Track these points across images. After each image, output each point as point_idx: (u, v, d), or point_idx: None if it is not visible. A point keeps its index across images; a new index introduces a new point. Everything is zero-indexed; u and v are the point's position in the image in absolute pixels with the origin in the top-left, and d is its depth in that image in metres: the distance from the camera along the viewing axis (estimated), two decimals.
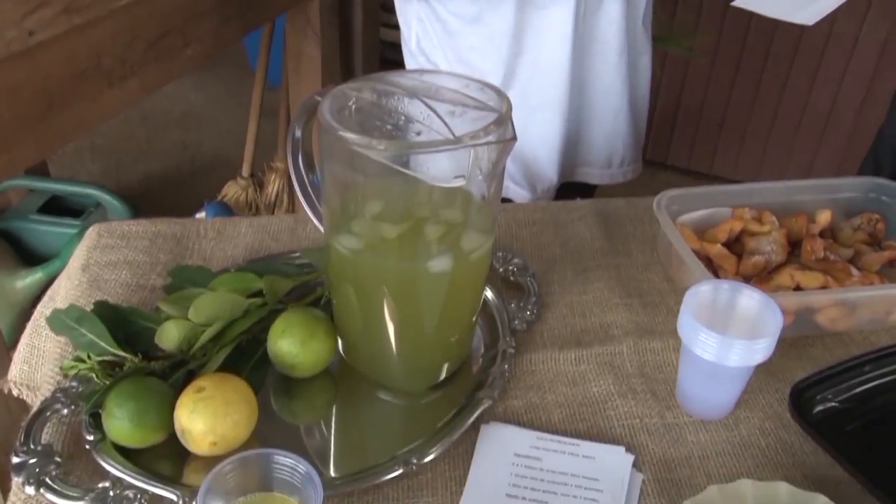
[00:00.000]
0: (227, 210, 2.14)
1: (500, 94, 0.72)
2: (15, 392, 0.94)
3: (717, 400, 0.77)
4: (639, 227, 1.03)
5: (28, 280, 1.89)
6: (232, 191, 2.24)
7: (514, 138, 0.67)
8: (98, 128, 1.41)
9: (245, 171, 2.25)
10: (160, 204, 2.42)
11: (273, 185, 2.22)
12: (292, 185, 2.18)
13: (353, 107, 0.72)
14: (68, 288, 0.91)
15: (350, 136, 0.65)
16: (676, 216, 0.96)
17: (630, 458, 0.73)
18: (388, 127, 0.71)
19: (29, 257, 1.98)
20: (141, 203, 2.24)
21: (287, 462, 0.62)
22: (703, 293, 0.77)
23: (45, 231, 2.00)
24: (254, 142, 2.22)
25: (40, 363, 0.91)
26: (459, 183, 0.67)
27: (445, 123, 0.67)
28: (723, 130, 2.59)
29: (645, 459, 0.74)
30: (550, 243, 1.00)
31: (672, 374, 0.82)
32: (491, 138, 0.66)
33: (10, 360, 0.95)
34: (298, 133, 0.76)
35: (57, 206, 2.07)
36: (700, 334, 0.72)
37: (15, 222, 2.01)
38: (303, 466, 0.61)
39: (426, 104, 0.68)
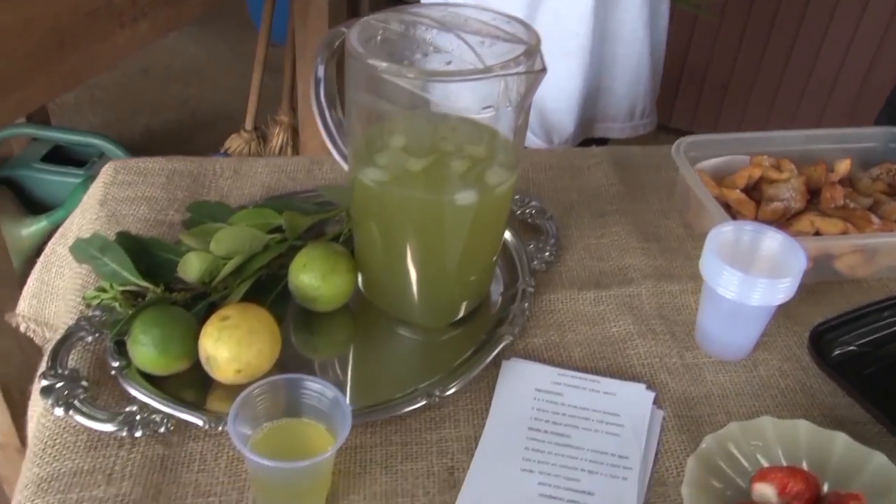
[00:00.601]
0: None
1: (528, 28, 0.71)
2: (23, 326, 0.94)
3: (736, 340, 0.78)
4: (655, 174, 1.03)
5: (33, 228, 1.88)
6: (235, 143, 2.22)
7: (544, 70, 0.67)
8: (108, 70, 1.40)
9: (248, 123, 2.23)
10: (162, 155, 2.40)
11: (277, 139, 2.20)
12: (297, 138, 2.17)
13: (380, 38, 0.72)
14: (84, 223, 0.90)
15: (380, 63, 0.65)
16: (694, 163, 0.96)
17: (651, 394, 0.74)
18: (417, 57, 0.70)
19: (32, 206, 1.98)
20: (143, 155, 2.22)
21: (315, 388, 0.62)
22: (725, 234, 0.77)
23: (48, 180, 1.99)
24: (257, 94, 2.20)
25: (50, 299, 0.91)
26: (488, 114, 0.67)
27: (476, 53, 0.66)
28: (727, 92, 2.57)
29: (665, 397, 0.74)
30: (567, 188, 0.99)
31: (690, 316, 0.82)
32: (521, 69, 0.65)
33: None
34: (321, 66, 0.75)
35: (59, 156, 2.05)
36: (723, 273, 0.72)
37: (19, 171, 2.00)
38: (331, 392, 0.62)
39: (457, 34, 0.67)
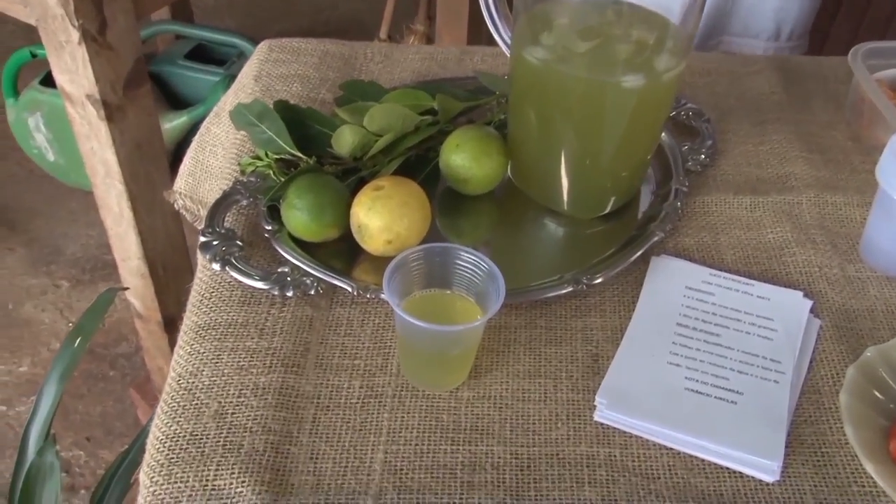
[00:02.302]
0: None
1: None
2: (179, 203, 0.98)
3: None
4: (822, 84, 0.96)
5: (175, 122, 1.95)
6: None
7: None
8: None
9: (383, 32, 2.22)
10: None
11: None
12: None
13: None
14: (240, 98, 0.92)
15: None
16: (872, 73, 0.89)
17: (808, 303, 0.70)
18: None
19: (175, 102, 2.04)
20: None
21: (471, 259, 0.62)
22: None
23: (190, 77, 2.05)
24: (393, 2, 2.19)
25: (205, 177, 0.93)
26: None
27: None
28: None
29: (823, 307, 0.71)
30: (726, 93, 0.94)
31: (854, 229, 0.78)
32: None
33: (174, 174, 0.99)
34: None
35: (201, 55, 2.11)
36: None
37: (164, 66, 2.06)
38: (485, 264, 0.61)
39: None
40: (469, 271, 0.62)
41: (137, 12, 1.07)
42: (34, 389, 1.65)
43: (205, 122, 0.99)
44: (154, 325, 1.36)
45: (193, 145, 0.98)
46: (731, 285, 0.72)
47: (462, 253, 0.62)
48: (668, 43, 0.70)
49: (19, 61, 1.93)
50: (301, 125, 0.79)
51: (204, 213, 0.92)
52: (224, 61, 2.08)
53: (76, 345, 1.07)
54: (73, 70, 1.05)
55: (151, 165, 1.19)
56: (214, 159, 0.92)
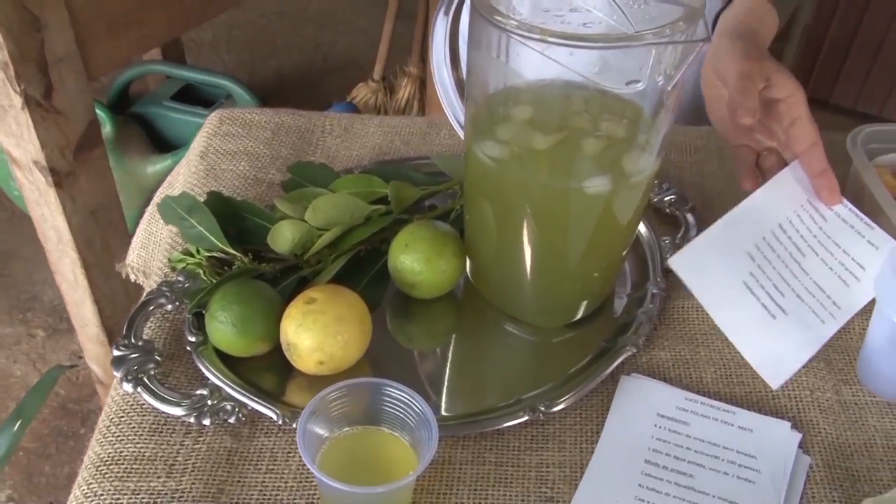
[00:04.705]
0: (354, 112, 2.07)
1: None
2: (132, 277, 0.91)
3: None
4: None
5: (158, 166, 1.89)
6: (361, 93, 2.16)
7: (708, 39, 0.55)
8: (230, 8, 1.34)
9: (377, 73, 2.17)
10: (289, 100, 2.38)
11: (404, 91, 2.13)
12: (424, 91, 2.09)
13: None
14: (186, 175, 0.85)
15: (507, 20, 0.55)
16: (873, 157, 0.81)
17: (797, 436, 0.62)
18: (554, 16, 0.60)
19: (162, 144, 1.99)
20: (270, 98, 2.20)
21: (401, 397, 0.54)
22: None
23: (176, 118, 1.99)
24: (388, 43, 2.13)
25: (156, 250, 0.86)
26: (634, 89, 0.56)
27: (625, 15, 0.55)
28: None
29: (814, 441, 0.62)
30: (714, 174, 0.87)
31: (852, 342, 0.70)
32: (678, 37, 0.54)
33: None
34: (444, 17, 0.66)
35: (190, 96, 2.05)
36: None
37: (150, 108, 2.01)
38: (418, 405, 0.54)
39: None
40: (401, 409, 0.55)
41: (90, 74, 1.00)
42: None
43: (157, 192, 0.93)
44: None
45: (146, 216, 0.91)
46: (709, 413, 0.64)
47: (391, 389, 0.54)
48: (642, 139, 0.62)
49: None
50: (237, 217, 0.72)
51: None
52: (212, 102, 2.02)
53: (16, 428, 1.00)
54: (18, 135, 0.98)
55: (109, 231, 1.12)
56: (166, 231, 0.85)
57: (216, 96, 2.04)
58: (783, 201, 0.73)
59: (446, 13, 0.66)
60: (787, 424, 0.63)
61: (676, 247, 0.76)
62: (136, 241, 0.91)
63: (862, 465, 0.61)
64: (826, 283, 0.71)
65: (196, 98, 2.04)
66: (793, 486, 0.59)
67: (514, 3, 0.60)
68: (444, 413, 0.63)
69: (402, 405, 0.54)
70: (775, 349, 0.67)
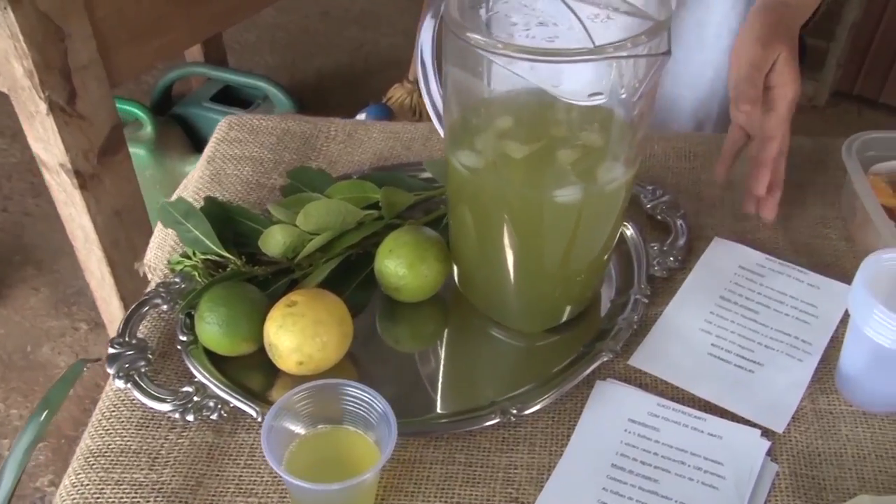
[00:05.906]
0: (387, 113, 2.10)
1: (662, 1, 0.60)
2: (149, 276, 0.95)
3: (886, 390, 0.65)
4: (820, 171, 0.88)
5: (194, 167, 1.94)
6: (397, 94, 2.19)
7: (668, 53, 0.56)
8: (251, 17, 1.38)
9: (411, 74, 2.19)
10: (328, 102, 2.42)
11: None
12: None
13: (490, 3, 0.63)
14: (194, 179, 0.89)
15: (474, 36, 0.56)
16: (870, 164, 0.80)
17: (765, 444, 0.63)
18: (521, 30, 0.61)
19: (201, 144, 2.04)
20: (309, 99, 2.24)
21: (363, 397, 0.56)
22: (885, 262, 0.63)
23: (214, 119, 2.03)
24: None
25: (168, 251, 0.90)
26: (596, 101, 0.57)
27: (585, 29, 0.56)
28: None
29: (783, 449, 0.63)
30: (710, 181, 0.87)
31: (831, 353, 0.69)
32: (639, 50, 0.55)
33: None
34: (429, 29, 0.68)
35: (230, 97, 2.10)
36: (875, 312, 0.59)
37: (190, 108, 2.06)
38: (380, 404, 0.56)
39: (564, 2, 0.57)
40: (364, 409, 0.57)
41: (112, 81, 1.05)
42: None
43: (175, 193, 0.96)
44: None
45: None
46: (680, 419, 0.64)
47: (353, 390, 0.57)
48: (615, 149, 0.63)
49: None
50: (233, 222, 0.75)
51: None
52: (250, 103, 2.07)
53: (42, 418, 1.04)
54: (45, 139, 1.03)
55: (134, 231, 1.17)
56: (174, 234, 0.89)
57: (255, 97, 2.09)
58: (717, 274, 0.75)
59: (433, 17, 0.67)
60: (758, 432, 0.63)
61: (664, 254, 0.76)
62: (154, 241, 0.95)
63: (829, 473, 0.61)
64: (788, 327, 0.71)
65: (235, 99, 2.09)
66: (756, 493, 0.60)
67: (491, 14, 0.62)
68: (420, 413, 0.65)
69: (364, 404, 0.56)
70: (765, 398, 0.66)
